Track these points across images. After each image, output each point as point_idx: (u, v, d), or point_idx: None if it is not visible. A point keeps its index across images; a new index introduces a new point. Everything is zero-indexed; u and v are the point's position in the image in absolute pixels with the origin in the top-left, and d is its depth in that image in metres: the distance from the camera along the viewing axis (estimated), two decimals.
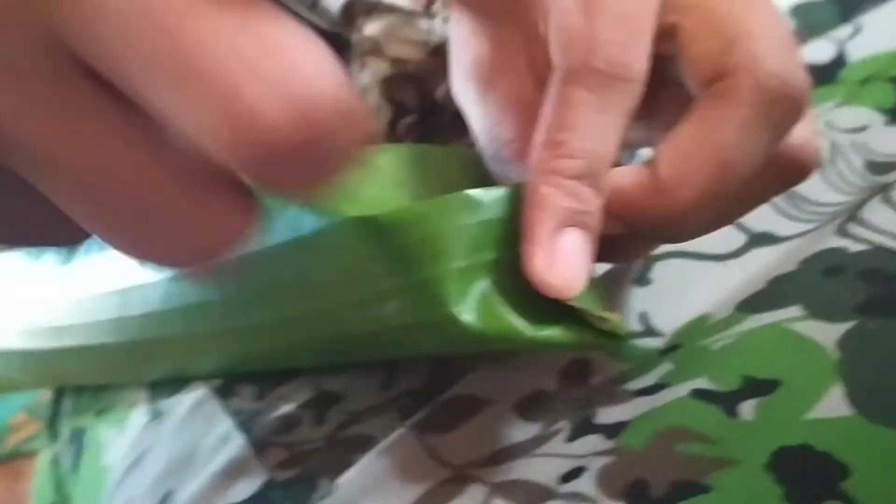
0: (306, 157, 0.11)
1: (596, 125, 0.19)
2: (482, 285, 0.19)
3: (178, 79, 0.11)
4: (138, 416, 0.29)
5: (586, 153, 0.19)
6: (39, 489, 0.39)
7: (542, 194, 0.19)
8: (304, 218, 0.20)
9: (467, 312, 0.18)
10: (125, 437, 0.29)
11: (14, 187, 0.13)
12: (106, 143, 0.12)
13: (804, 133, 0.21)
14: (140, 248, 0.13)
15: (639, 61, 0.19)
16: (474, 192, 0.19)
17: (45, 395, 0.41)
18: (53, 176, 0.12)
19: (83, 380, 0.33)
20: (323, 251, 0.20)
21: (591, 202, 0.19)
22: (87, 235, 0.15)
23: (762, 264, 0.25)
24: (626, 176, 0.19)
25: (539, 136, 0.19)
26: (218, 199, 0.13)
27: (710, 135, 0.19)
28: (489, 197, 0.19)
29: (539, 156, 0.19)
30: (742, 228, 0.27)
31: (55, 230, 0.15)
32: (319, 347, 0.23)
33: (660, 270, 0.25)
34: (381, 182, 0.21)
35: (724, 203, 0.20)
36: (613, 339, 0.20)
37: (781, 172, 0.21)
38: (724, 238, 0.27)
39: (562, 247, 0.18)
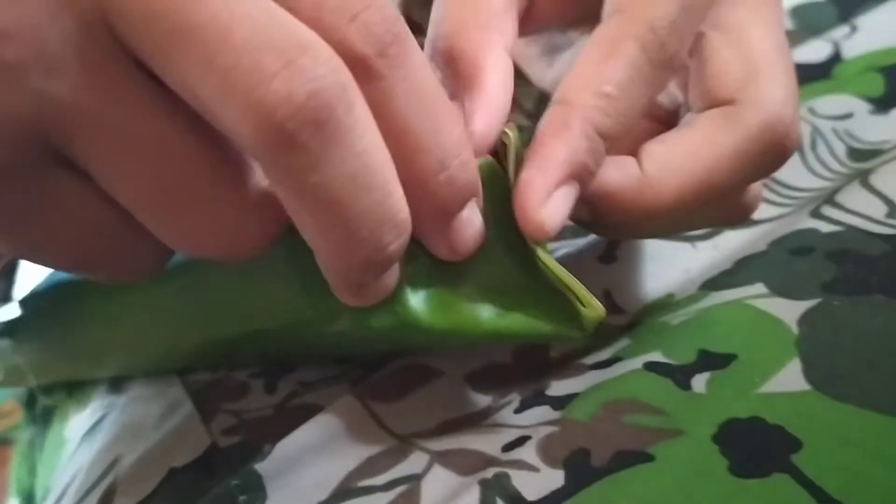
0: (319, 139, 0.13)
1: (638, 89, 0.18)
2: (431, 278, 0.18)
3: (197, 57, 0.12)
4: (101, 389, 0.29)
5: (621, 115, 0.18)
6: (18, 470, 0.39)
7: (571, 138, 0.18)
8: None
9: (422, 309, 0.18)
10: (86, 409, 0.29)
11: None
12: (151, 113, 0.13)
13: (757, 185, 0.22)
14: (180, 233, 0.14)
15: (684, 49, 0.19)
16: None
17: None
18: (105, 146, 0.13)
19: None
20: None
21: (600, 164, 0.18)
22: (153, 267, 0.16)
23: (733, 246, 0.25)
24: (609, 162, 0.19)
25: (578, 77, 0.18)
26: (256, 191, 0.15)
27: (707, 153, 0.19)
28: None
29: (576, 96, 0.18)
30: None
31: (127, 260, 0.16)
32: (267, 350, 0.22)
33: (626, 248, 0.25)
34: None
35: (686, 216, 0.20)
36: (580, 328, 0.19)
37: (731, 207, 0.22)
38: None
39: (558, 194, 0.17)
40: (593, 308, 0.18)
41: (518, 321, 0.19)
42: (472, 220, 0.17)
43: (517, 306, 0.19)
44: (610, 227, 0.20)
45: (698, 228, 0.24)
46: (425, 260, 0.18)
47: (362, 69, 0.14)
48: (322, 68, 0.13)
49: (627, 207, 0.19)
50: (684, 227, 0.22)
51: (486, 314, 0.19)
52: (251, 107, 0.12)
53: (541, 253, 0.18)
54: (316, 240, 0.15)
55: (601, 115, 0.18)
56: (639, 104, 0.18)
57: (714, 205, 0.20)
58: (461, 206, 0.17)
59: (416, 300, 0.18)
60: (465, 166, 0.16)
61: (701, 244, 0.25)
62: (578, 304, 0.18)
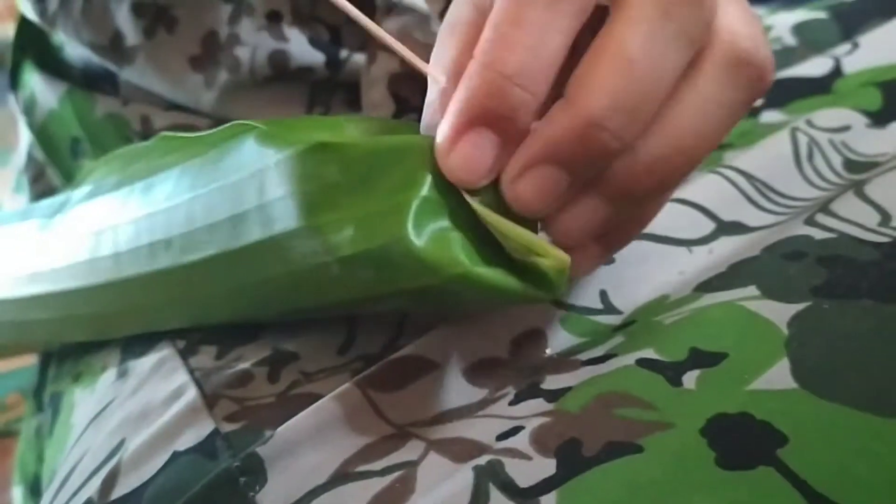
0: None
1: (542, 22, 0.18)
2: (442, 223, 0.19)
3: None
4: (107, 376, 0.30)
5: (527, 51, 0.18)
6: (22, 459, 0.40)
7: (468, 86, 0.18)
8: (268, 151, 0.21)
9: (419, 238, 0.18)
10: (93, 396, 0.30)
11: None
12: None
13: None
14: None
15: None
16: None
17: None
18: None
19: (57, 336, 0.34)
20: (288, 177, 0.20)
21: (516, 107, 0.18)
22: None
23: (728, 252, 0.25)
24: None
25: (484, 32, 0.18)
26: None
27: (612, 34, 0.18)
28: None
29: (479, 48, 0.18)
30: (712, 217, 0.27)
31: None
32: (274, 294, 0.23)
33: (624, 250, 0.25)
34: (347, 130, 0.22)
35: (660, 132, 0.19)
36: (550, 286, 0.19)
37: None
38: (693, 224, 0.26)
39: (468, 138, 0.18)
40: (554, 257, 0.18)
41: (498, 274, 0.19)
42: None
43: (501, 261, 0.19)
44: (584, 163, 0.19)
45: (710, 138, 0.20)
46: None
47: None
48: None
49: (568, 133, 0.18)
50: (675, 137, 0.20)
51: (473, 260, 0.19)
52: None
53: (477, 206, 0.19)
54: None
55: (503, 53, 0.18)
56: (549, 40, 0.18)
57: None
58: None
59: (424, 233, 0.18)
60: None
61: (697, 248, 0.26)
62: (538, 258, 0.18)
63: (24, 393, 0.70)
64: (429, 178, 0.19)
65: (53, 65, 0.40)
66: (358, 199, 0.19)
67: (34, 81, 0.40)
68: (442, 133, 0.18)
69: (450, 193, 0.19)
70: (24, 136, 0.40)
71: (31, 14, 0.38)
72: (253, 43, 0.32)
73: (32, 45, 0.40)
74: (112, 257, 0.26)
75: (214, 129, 0.24)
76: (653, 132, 0.19)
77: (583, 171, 0.19)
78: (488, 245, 0.19)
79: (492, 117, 0.18)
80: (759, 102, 0.40)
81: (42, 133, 0.39)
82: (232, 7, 0.32)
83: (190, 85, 0.33)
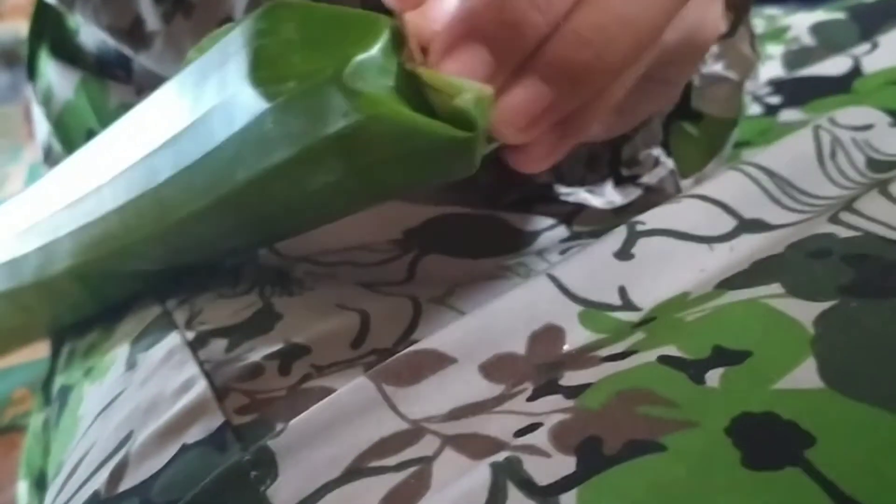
0: None
1: None
2: (382, 81, 0.19)
3: None
4: (116, 368, 0.29)
5: None
6: (29, 453, 0.39)
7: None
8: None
9: (353, 83, 0.19)
10: (101, 388, 0.29)
11: None
12: None
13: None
14: None
15: None
16: None
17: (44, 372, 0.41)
18: None
19: (46, 308, 0.34)
20: (246, 36, 0.20)
21: (527, 31, 0.18)
22: None
23: (749, 249, 0.25)
24: None
25: None
26: None
27: None
28: None
29: None
30: (733, 214, 0.26)
31: None
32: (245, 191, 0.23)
33: (643, 246, 0.25)
34: None
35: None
36: (471, 123, 0.19)
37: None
38: (713, 221, 0.26)
39: (466, 49, 0.18)
40: (474, 90, 0.18)
41: (420, 118, 0.19)
42: None
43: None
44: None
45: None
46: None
47: None
48: None
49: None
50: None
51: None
52: None
53: (414, 67, 0.19)
54: None
55: None
56: None
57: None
58: None
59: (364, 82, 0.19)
60: None
61: (718, 246, 0.25)
62: (460, 96, 0.18)
63: (30, 387, 0.70)
64: (381, 42, 0.19)
65: (68, 51, 0.40)
66: (309, 55, 0.19)
67: (50, 71, 0.40)
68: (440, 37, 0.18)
69: (397, 68, 0.19)
70: (42, 127, 0.40)
71: None
72: None
73: (48, 29, 0.40)
74: (94, 193, 0.26)
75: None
76: (581, 4, 0.18)
77: (507, 48, 0.18)
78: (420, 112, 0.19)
79: (495, 35, 0.18)
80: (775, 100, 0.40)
81: (59, 124, 0.39)
82: None
83: None
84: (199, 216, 0.23)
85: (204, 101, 0.22)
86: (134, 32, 0.34)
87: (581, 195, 0.33)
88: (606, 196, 0.34)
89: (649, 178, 0.34)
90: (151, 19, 0.33)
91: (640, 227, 0.25)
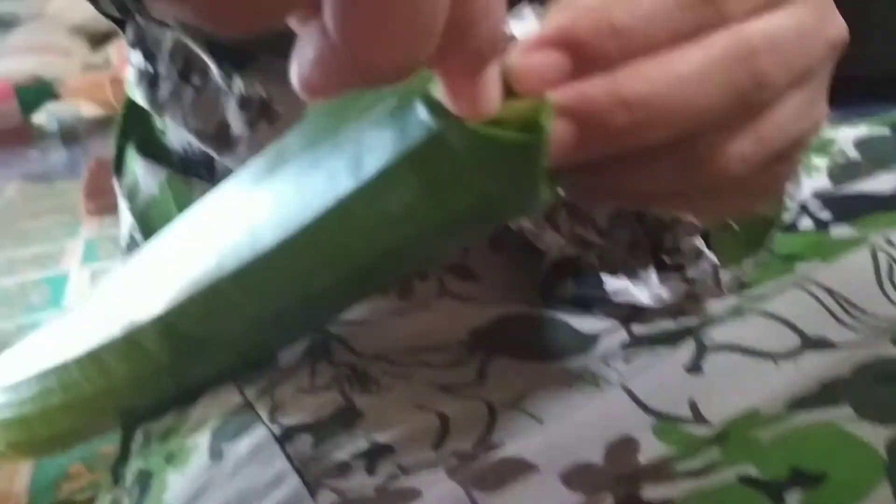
0: None
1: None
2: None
3: None
4: (199, 456, 0.31)
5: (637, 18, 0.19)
6: None
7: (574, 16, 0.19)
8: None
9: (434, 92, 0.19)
10: (185, 477, 0.31)
11: None
12: None
13: None
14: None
15: None
16: None
17: (103, 448, 0.43)
18: None
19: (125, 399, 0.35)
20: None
21: (605, 54, 0.19)
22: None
23: (814, 367, 0.26)
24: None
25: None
26: None
27: None
28: None
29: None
30: (796, 331, 0.27)
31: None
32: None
33: (712, 362, 0.26)
34: None
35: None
36: (538, 129, 0.19)
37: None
38: (778, 338, 0.27)
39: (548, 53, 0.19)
40: (532, 99, 0.19)
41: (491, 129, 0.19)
42: (495, 81, 0.18)
43: None
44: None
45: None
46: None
47: None
48: None
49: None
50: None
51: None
52: None
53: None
54: None
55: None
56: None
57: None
58: (493, 56, 0.17)
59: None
60: (501, 21, 0.17)
61: (783, 363, 0.26)
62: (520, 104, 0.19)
63: (86, 463, 0.71)
64: None
65: (154, 150, 0.43)
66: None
67: (137, 167, 0.43)
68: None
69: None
70: (126, 220, 0.43)
71: (141, 99, 0.41)
72: None
73: (136, 129, 0.43)
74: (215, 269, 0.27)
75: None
76: (638, 68, 0.19)
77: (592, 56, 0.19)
78: None
79: (579, 49, 0.19)
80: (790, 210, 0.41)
81: (143, 218, 0.41)
82: None
83: None
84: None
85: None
86: (220, 136, 0.37)
87: (630, 291, 0.34)
88: (652, 289, 0.35)
89: (693, 272, 0.35)
90: (237, 124, 0.36)
91: (707, 342, 0.27)
